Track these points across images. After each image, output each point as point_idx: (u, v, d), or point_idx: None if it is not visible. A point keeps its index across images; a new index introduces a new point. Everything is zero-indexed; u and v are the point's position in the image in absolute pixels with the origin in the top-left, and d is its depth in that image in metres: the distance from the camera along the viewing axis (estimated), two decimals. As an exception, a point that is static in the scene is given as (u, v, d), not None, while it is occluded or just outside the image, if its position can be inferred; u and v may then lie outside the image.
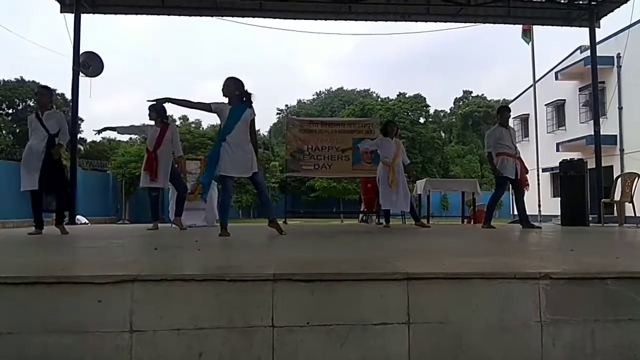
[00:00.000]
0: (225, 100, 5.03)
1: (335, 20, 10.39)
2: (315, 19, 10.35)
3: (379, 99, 44.46)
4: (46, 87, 5.75)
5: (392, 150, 7.10)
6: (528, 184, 7.02)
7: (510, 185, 6.95)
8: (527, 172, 7.05)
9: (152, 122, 6.51)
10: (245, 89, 5.07)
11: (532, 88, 17.29)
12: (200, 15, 10.42)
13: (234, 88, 5.02)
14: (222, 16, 10.31)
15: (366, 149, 7.72)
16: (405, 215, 11.69)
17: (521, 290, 2.15)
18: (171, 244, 4.37)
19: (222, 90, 5.03)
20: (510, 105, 31.12)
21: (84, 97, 9.83)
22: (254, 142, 5.07)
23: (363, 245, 4.27)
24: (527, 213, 7.07)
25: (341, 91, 53.32)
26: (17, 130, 32.74)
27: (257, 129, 5.18)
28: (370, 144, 7.45)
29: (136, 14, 10.16)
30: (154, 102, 5.46)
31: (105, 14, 10.05)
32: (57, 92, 31.25)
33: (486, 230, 6.57)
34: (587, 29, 10.18)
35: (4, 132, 32.28)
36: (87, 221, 13.99)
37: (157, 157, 6.26)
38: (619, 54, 17.89)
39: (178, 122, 42.34)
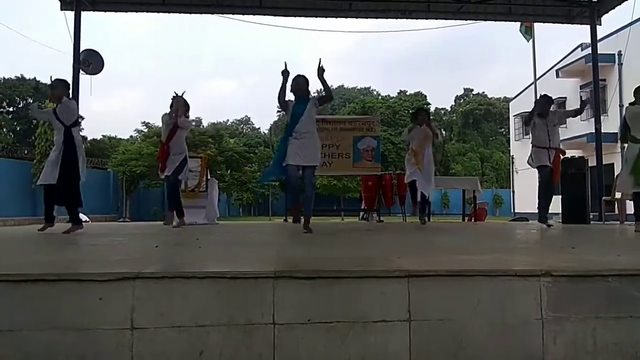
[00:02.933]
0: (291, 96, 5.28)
1: (336, 17, 10.38)
2: (316, 16, 10.34)
3: (380, 97, 44.41)
4: (60, 80, 5.67)
5: (420, 137, 6.99)
6: (558, 177, 6.65)
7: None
8: (563, 153, 6.73)
9: (171, 111, 6.46)
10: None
11: (533, 86, 17.25)
12: (201, 13, 10.42)
13: (307, 86, 5.30)
14: (223, 14, 10.29)
15: (406, 139, 7.43)
16: (406, 212, 11.73)
17: (522, 287, 2.15)
18: (172, 241, 4.37)
19: (293, 87, 5.22)
20: (510, 103, 31.13)
21: (85, 94, 9.82)
22: (327, 93, 5.34)
23: (364, 243, 4.27)
24: (528, 210, 7.05)
25: (342, 89, 53.20)
26: (18, 128, 32.77)
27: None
28: (404, 136, 7.35)
29: (136, 11, 10.15)
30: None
31: (105, 11, 10.04)
32: (57, 90, 31.23)
33: (487, 227, 6.56)
34: (588, 27, 10.15)
35: (4, 130, 32.27)
36: (87, 219, 13.98)
37: (170, 148, 6.33)
38: (620, 51, 17.85)
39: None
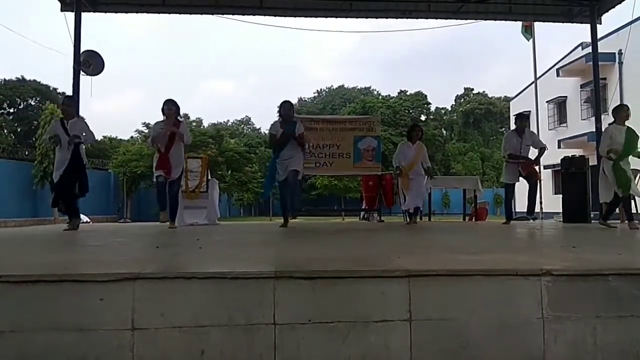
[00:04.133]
0: (275, 118, 6.29)
1: (336, 17, 10.37)
2: (316, 17, 10.32)
3: (380, 97, 44.36)
4: (71, 98, 6.15)
5: (410, 156, 7.02)
6: (537, 175, 7.30)
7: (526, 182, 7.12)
8: (533, 164, 7.13)
9: (163, 118, 6.23)
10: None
11: (533, 85, 17.25)
12: (201, 14, 10.41)
13: (292, 111, 6.31)
14: (223, 14, 10.27)
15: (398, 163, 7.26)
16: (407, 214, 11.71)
17: (523, 287, 2.15)
18: (173, 242, 4.38)
19: (280, 112, 6.20)
20: (511, 102, 31.20)
21: (85, 96, 9.85)
22: (302, 146, 6.27)
23: (364, 243, 4.27)
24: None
25: (342, 89, 53.16)
26: (19, 130, 32.79)
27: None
28: (396, 160, 7.21)
29: (137, 12, 10.14)
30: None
31: (105, 12, 10.03)
32: (58, 91, 31.28)
33: (488, 227, 6.57)
34: (588, 25, 10.13)
35: (5, 131, 32.29)
36: (88, 220, 14.00)
37: (170, 157, 6.15)
38: (620, 50, 17.82)
39: (179, 121, 42.24)
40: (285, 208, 6.45)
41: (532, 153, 7.19)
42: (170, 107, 6.20)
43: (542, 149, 7.15)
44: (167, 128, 6.13)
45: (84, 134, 5.75)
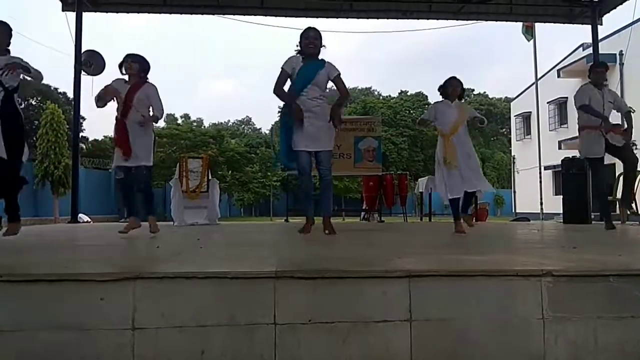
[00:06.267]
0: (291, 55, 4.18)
1: (337, 18, 10.40)
2: (317, 17, 10.35)
3: (381, 97, 44.43)
4: (1, 21, 4.06)
5: (452, 117, 4.95)
6: (633, 142, 5.56)
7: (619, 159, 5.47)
8: (623, 131, 5.45)
9: (125, 78, 4.65)
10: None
11: (534, 86, 17.25)
12: (202, 14, 10.44)
13: (319, 44, 4.14)
14: (224, 14, 10.32)
15: (423, 121, 5.29)
16: (407, 212, 11.72)
17: (523, 287, 2.15)
18: (174, 241, 4.38)
19: (302, 44, 4.15)
20: (512, 103, 31.08)
21: (86, 95, 9.81)
22: (342, 98, 4.17)
23: (365, 243, 4.27)
24: (529, 211, 7.04)
25: (343, 89, 53.26)
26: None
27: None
28: (425, 115, 5.26)
29: (138, 12, 10.19)
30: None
31: (107, 12, 10.06)
32: (59, 90, 31.29)
33: (488, 228, 6.53)
34: (589, 26, 10.14)
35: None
36: (89, 219, 14.04)
37: (128, 127, 4.61)
38: (621, 51, 17.82)
39: (180, 121, 42.35)
40: (308, 202, 4.61)
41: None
42: (131, 64, 4.47)
43: (628, 113, 5.51)
44: (124, 87, 4.55)
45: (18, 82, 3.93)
